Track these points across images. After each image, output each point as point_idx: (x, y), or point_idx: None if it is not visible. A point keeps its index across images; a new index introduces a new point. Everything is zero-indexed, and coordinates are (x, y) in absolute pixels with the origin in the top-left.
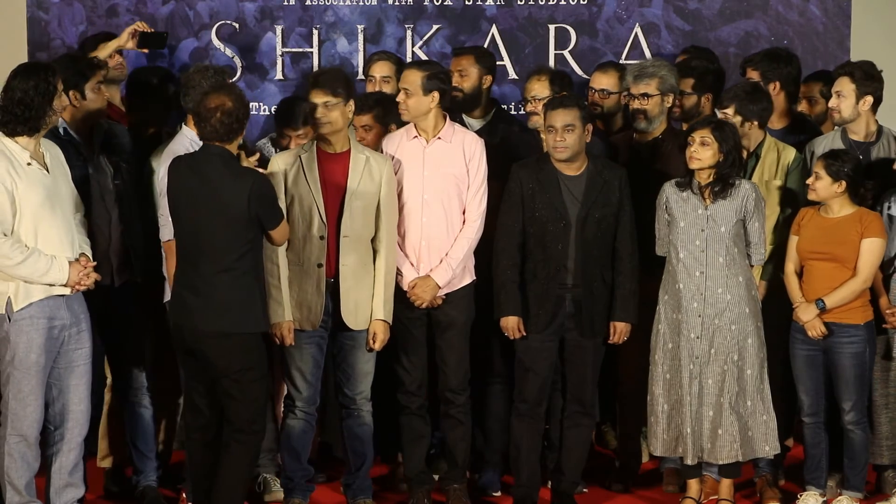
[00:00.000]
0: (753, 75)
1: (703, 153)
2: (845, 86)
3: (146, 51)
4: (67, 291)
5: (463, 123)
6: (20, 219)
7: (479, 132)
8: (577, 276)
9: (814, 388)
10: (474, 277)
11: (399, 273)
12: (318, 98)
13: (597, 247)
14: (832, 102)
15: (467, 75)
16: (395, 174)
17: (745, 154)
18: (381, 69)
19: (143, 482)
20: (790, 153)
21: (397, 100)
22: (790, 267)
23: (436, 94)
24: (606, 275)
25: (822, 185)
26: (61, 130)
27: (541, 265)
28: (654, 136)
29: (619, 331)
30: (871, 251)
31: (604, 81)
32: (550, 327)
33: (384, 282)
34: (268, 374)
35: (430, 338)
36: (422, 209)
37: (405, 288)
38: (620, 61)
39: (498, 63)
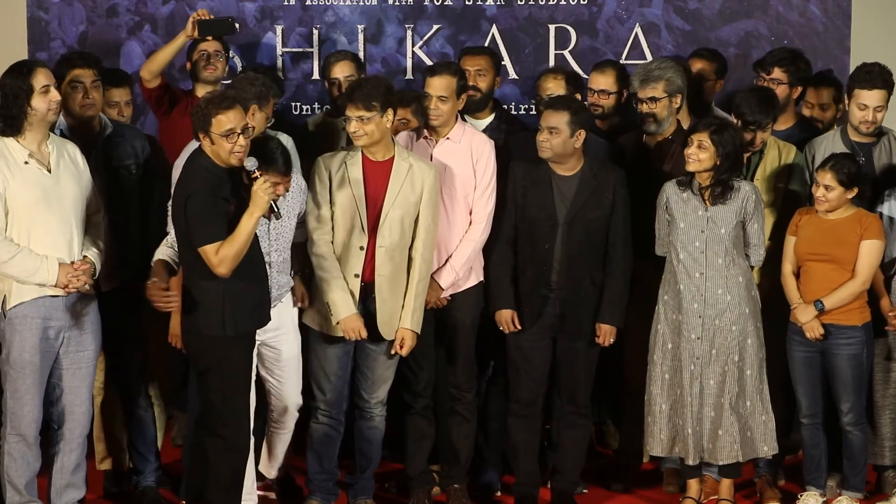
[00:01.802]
0: (781, 76)
1: (700, 156)
2: (885, 98)
3: (210, 39)
4: (60, 292)
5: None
6: (12, 217)
7: (484, 132)
8: (563, 276)
9: (811, 390)
10: (481, 279)
11: None
12: (353, 112)
13: (585, 248)
14: (871, 116)
15: (485, 75)
16: None
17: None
18: (343, 69)
19: (143, 483)
20: (791, 151)
21: (430, 106)
22: (788, 268)
23: (464, 96)
24: (596, 277)
25: (836, 195)
26: (57, 132)
27: (529, 263)
28: (665, 137)
29: (605, 333)
30: (870, 253)
31: (601, 81)
32: (537, 326)
33: (415, 291)
34: (242, 380)
35: (436, 337)
36: None
37: None
38: (621, 61)
39: None
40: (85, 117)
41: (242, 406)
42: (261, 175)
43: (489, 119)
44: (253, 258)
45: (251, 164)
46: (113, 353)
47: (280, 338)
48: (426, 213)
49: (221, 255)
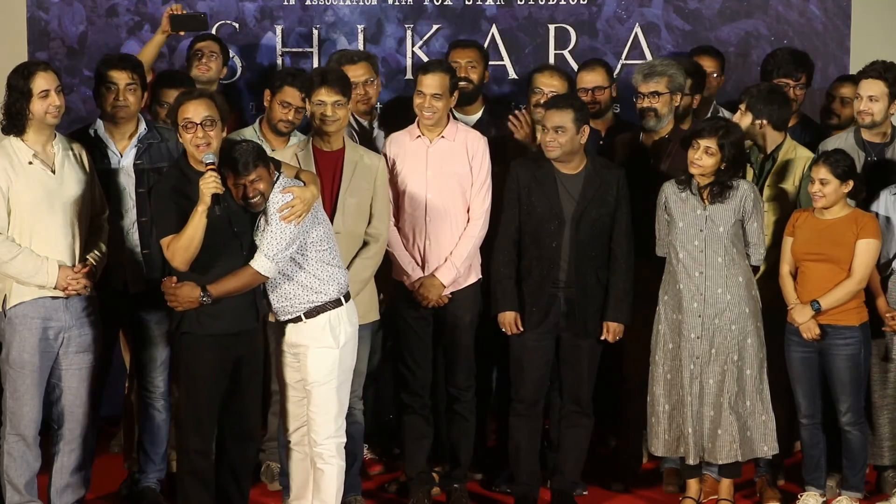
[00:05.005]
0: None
1: (705, 161)
2: (879, 89)
3: (182, 33)
4: (61, 293)
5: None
6: (14, 217)
7: (474, 127)
8: (571, 274)
9: (810, 390)
10: (480, 276)
11: (404, 273)
12: (329, 97)
13: (591, 246)
14: (864, 105)
15: (476, 67)
16: (399, 174)
17: (760, 156)
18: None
19: (143, 482)
20: (806, 156)
21: (425, 105)
22: (785, 269)
23: (456, 94)
24: (601, 274)
25: (832, 189)
26: (92, 133)
27: (535, 263)
28: (662, 135)
29: (612, 330)
30: (866, 252)
31: (593, 79)
32: (543, 325)
33: (366, 266)
34: (203, 382)
35: (435, 337)
36: (426, 208)
37: (410, 287)
38: (621, 61)
39: (498, 63)
40: (117, 119)
41: (203, 411)
42: (208, 170)
43: (479, 114)
44: (238, 261)
45: (207, 158)
46: (139, 354)
47: (300, 358)
48: (381, 198)
49: (172, 249)
